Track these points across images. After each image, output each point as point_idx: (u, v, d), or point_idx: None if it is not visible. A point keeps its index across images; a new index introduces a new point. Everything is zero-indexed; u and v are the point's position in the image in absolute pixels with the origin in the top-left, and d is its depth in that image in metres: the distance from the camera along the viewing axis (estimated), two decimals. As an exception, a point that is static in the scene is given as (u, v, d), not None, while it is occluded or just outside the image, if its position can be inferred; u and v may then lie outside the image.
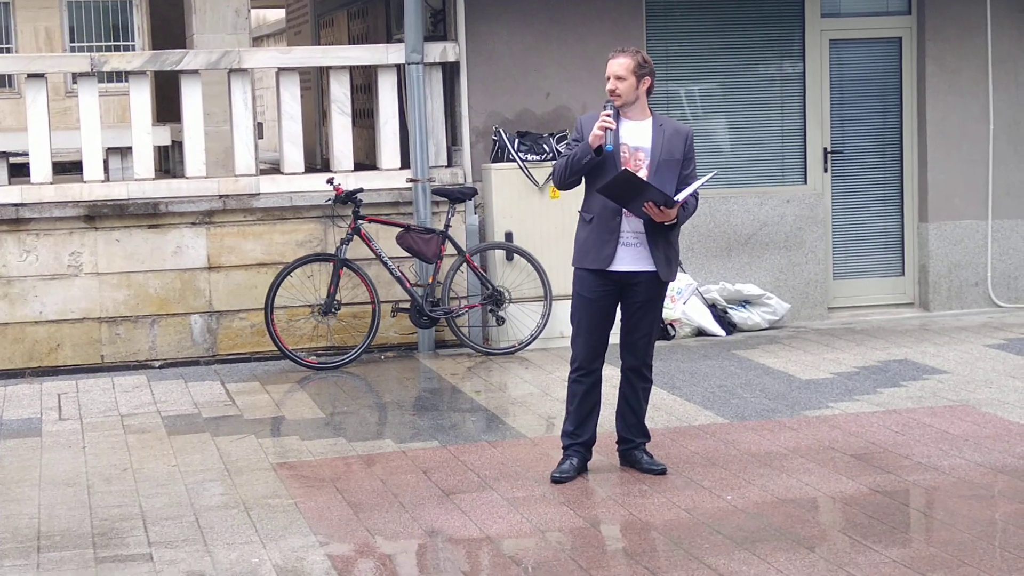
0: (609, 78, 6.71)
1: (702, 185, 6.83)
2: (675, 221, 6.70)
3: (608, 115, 6.61)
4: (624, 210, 6.69)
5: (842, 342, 10.44)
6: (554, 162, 6.75)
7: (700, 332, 10.79)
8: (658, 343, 10.48)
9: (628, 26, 10.94)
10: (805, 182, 11.48)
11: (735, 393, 8.80)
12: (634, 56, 6.72)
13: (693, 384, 9.09)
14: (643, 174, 6.66)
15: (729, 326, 10.87)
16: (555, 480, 6.80)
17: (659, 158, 6.70)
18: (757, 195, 11.32)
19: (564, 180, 6.82)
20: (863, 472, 6.89)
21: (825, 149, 11.47)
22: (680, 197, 6.64)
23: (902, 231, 11.72)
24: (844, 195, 11.61)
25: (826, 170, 11.48)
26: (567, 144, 6.78)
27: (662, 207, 6.57)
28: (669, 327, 10.67)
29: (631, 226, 6.72)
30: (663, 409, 8.39)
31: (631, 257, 6.74)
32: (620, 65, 6.70)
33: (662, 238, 6.75)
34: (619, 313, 6.92)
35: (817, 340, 10.56)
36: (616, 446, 7.12)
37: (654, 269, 6.76)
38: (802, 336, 10.75)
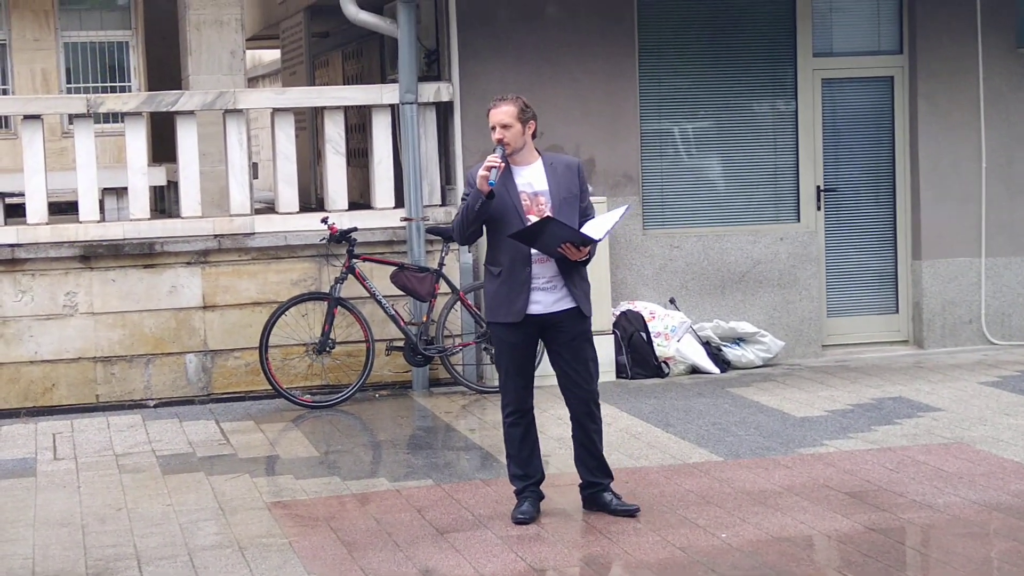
0: (495, 127, 6.71)
1: (618, 221, 6.90)
2: (587, 257, 6.75)
3: (495, 156, 6.64)
4: (534, 257, 6.71)
5: (836, 379, 10.45)
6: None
7: (694, 370, 10.79)
8: (652, 381, 10.54)
9: (621, 65, 11.00)
10: (798, 220, 11.52)
11: (729, 431, 8.81)
12: (515, 102, 6.75)
13: (687, 422, 9.10)
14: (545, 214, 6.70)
15: (723, 363, 10.88)
16: (519, 521, 6.79)
17: (559, 197, 6.76)
18: (750, 233, 11.36)
19: (464, 232, 6.80)
20: (858, 510, 6.89)
21: (818, 187, 11.51)
22: (600, 236, 6.70)
23: (895, 269, 11.75)
24: (837, 233, 11.64)
25: (819, 208, 11.52)
26: (462, 199, 6.86)
27: (580, 247, 6.63)
28: (663, 364, 10.68)
29: (542, 272, 6.75)
30: (657, 447, 8.39)
31: (547, 300, 6.77)
32: (505, 113, 6.71)
33: (577, 275, 6.81)
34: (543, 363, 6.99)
35: (811, 378, 10.57)
36: (580, 491, 7.05)
37: (573, 305, 6.79)
38: (796, 374, 10.76)
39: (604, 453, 7.09)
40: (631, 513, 6.86)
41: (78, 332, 10.13)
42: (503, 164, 6.65)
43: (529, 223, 6.65)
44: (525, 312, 6.74)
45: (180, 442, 9.01)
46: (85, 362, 10.16)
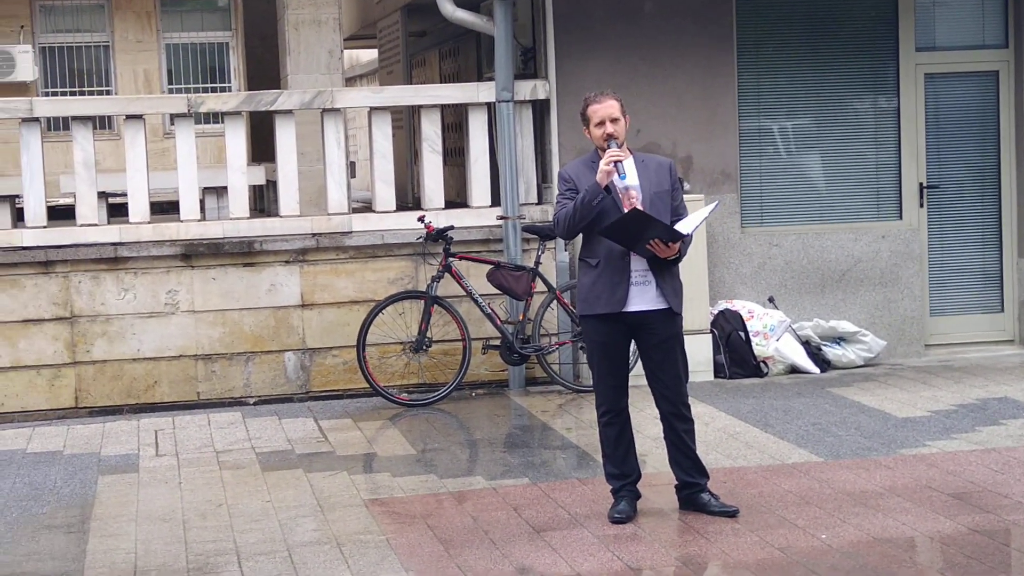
0: (603, 122, 6.70)
1: (707, 216, 6.87)
2: (678, 255, 6.71)
3: (616, 150, 6.63)
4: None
5: (939, 379, 10.27)
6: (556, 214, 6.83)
7: (793, 369, 10.67)
8: (751, 380, 10.44)
9: (719, 62, 10.90)
10: (900, 217, 11.34)
11: (829, 431, 8.69)
12: (616, 97, 6.79)
13: (787, 422, 9.00)
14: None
15: (823, 363, 10.74)
16: (616, 520, 6.77)
17: (651, 191, 6.74)
18: (851, 231, 11.21)
19: (574, 226, 6.76)
20: (961, 511, 6.76)
21: (921, 184, 11.33)
22: (688, 231, 6.67)
23: (1001, 266, 11.51)
24: (941, 230, 11.44)
25: (922, 205, 11.33)
26: (560, 194, 6.84)
27: (668, 243, 6.60)
28: (762, 364, 10.58)
29: (638, 265, 6.73)
30: (755, 447, 8.30)
31: (641, 297, 6.74)
32: (612, 107, 6.73)
33: (668, 272, 6.77)
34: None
35: (914, 377, 10.40)
36: (676, 493, 7.00)
37: (666, 306, 6.75)
38: (898, 373, 10.60)
39: (701, 453, 7.04)
40: (730, 514, 6.79)
41: (179, 330, 10.26)
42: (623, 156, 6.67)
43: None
44: (626, 301, 6.71)
45: (279, 439, 9.09)
46: (186, 360, 10.29)
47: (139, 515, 7.32)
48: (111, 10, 18.58)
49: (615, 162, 6.61)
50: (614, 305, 6.74)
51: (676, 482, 6.99)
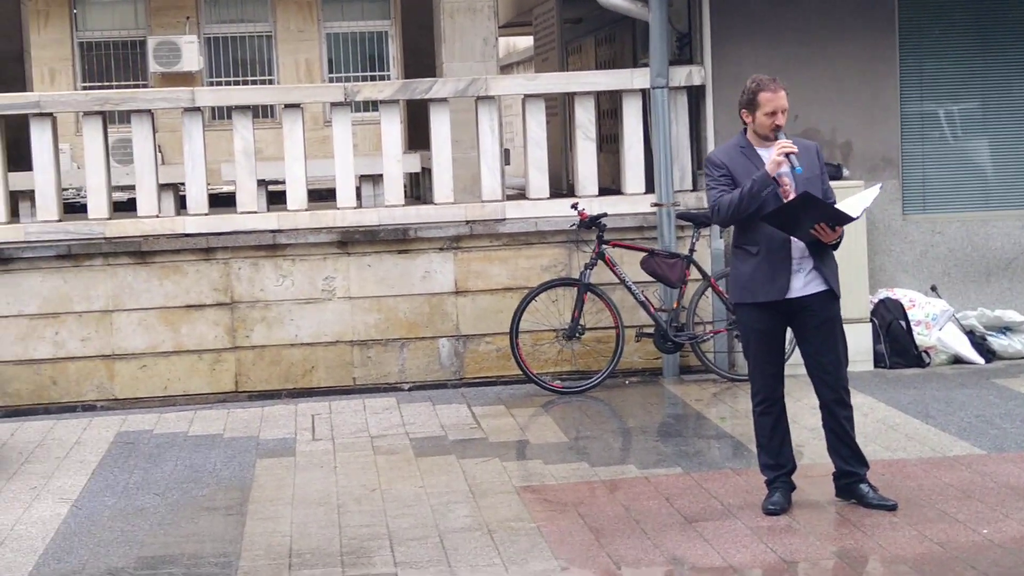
0: (775, 112, 6.64)
1: (873, 199, 6.77)
2: (839, 240, 6.65)
3: (787, 142, 6.57)
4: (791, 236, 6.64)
5: (1111, 372, 9.93)
6: (714, 201, 6.73)
7: (957, 360, 10.40)
8: (912, 370, 10.21)
9: (880, 45, 10.66)
10: (1071, 204, 10.99)
11: (993, 423, 8.45)
12: (784, 86, 6.72)
13: (948, 413, 8.77)
14: (791, 196, 6.62)
15: (988, 353, 10.45)
16: (770, 512, 6.69)
17: (802, 176, 6.65)
18: (1018, 218, 10.87)
19: (738, 214, 6.68)
20: None
21: (1092, 169, 10.95)
22: (856, 214, 6.59)
23: None
24: (1113, 217, 11.05)
25: (1093, 191, 10.96)
26: (714, 181, 6.73)
27: (835, 227, 6.53)
28: (924, 354, 10.33)
29: (798, 251, 6.65)
30: (916, 439, 8.11)
31: (801, 281, 6.67)
32: (784, 98, 6.68)
33: (825, 255, 6.70)
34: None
35: (1083, 369, 10.07)
36: (834, 481, 6.88)
37: (826, 287, 6.67)
38: (1067, 365, 10.27)
39: (860, 444, 6.90)
40: (888, 507, 6.64)
41: (336, 316, 10.40)
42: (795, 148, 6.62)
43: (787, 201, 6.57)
44: (787, 288, 6.63)
45: (433, 425, 9.15)
46: (342, 345, 10.42)
47: (295, 498, 7.43)
48: (274, 1, 18.94)
49: (789, 152, 6.54)
50: (776, 293, 6.67)
51: (834, 470, 6.87)
